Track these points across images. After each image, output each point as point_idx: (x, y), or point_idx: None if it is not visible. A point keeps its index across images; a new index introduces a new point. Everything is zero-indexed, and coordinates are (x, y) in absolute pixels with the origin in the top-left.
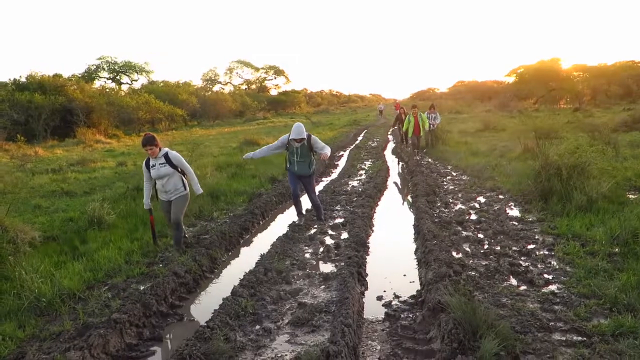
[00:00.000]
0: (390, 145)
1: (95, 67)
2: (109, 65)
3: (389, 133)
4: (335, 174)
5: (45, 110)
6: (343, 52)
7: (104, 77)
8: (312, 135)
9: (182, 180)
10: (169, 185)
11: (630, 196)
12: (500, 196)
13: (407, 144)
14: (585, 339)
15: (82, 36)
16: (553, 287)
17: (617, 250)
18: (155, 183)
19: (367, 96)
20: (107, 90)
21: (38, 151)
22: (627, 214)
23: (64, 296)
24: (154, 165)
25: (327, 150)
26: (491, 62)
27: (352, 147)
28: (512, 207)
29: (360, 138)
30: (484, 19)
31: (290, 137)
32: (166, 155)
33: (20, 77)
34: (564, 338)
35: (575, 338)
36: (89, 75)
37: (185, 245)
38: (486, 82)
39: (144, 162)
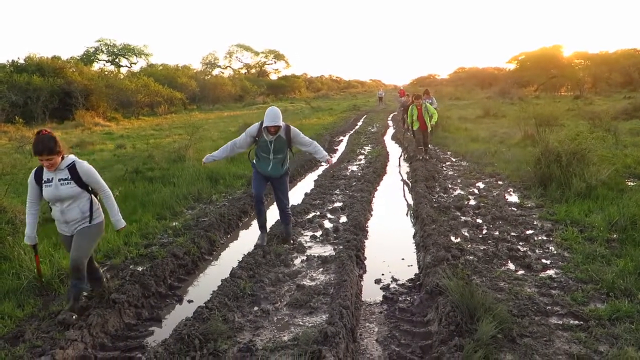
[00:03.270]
0: (390, 131)
1: (94, 49)
2: (107, 48)
3: (389, 119)
4: (334, 159)
5: (44, 93)
6: (344, 37)
7: (103, 60)
8: (292, 127)
9: (92, 205)
10: (72, 213)
11: (630, 183)
12: (500, 182)
13: (407, 131)
14: (582, 323)
15: (81, 18)
16: (551, 272)
17: (615, 236)
18: (50, 208)
19: (367, 82)
20: (106, 72)
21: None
22: (625, 200)
23: (62, 276)
24: (49, 181)
25: (325, 153)
26: (492, 48)
27: (351, 132)
28: (511, 193)
29: (360, 123)
30: (486, 5)
31: (263, 125)
32: (72, 168)
33: (18, 58)
34: (560, 322)
35: (572, 322)
36: (88, 58)
37: (104, 293)
38: (487, 68)
39: (33, 173)
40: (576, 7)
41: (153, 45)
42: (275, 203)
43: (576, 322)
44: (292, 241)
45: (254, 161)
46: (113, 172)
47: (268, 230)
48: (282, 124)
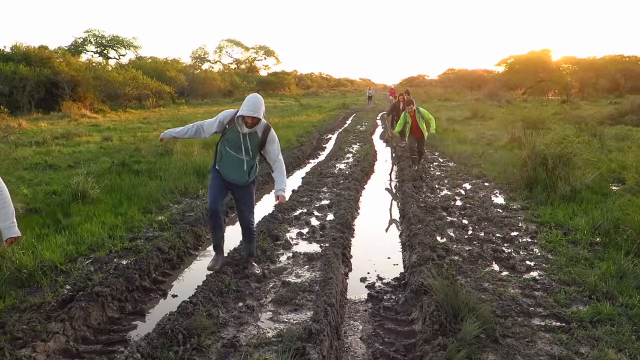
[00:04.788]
0: (379, 130)
1: (82, 40)
2: (96, 39)
3: (378, 118)
4: (322, 157)
5: (30, 82)
6: (335, 35)
7: (91, 51)
8: (273, 130)
9: None
10: None
11: (613, 188)
12: (486, 184)
13: (399, 141)
14: (564, 324)
15: (69, 8)
16: (534, 274)
17: (598, 239)
18: None
19: (357, 80)
20: (94, 64)
21: (22, 123)
22: (609, 204)
23: (45, 268)
24: None
25: (284, 184)
26: (482, 51)
27: (340, 130)
28: (497, 194)
29: (349, 122)
30: (477, 7)
31: (238, 114)
32: None
33: (4, 47)
34: (543, 323)
35: (554, 323)
36: (76, 49)
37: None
38: (476, 70)
39: None
40: (565, 12)
41: (142, 37)
42: (238, 218)
43: (558, 323)
44: (255, 264)
45: (216, 163)
46: (99, 164)
47: (226, 253)
48: (263, 119)
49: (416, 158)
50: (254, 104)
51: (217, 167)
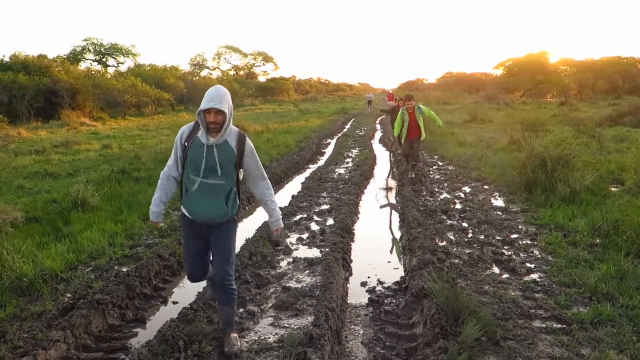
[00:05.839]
0: (378, 135)
1: (80, 48)
2: (95, 47)
3: (377, 122)
4: (322, 161)
5: (29, 91)
6: (333, 40)
7: (90, 59)
8: (248, 139)
9: None
10: None
11: (613, 189)
12: (485, 186)
13: (394, 145)
14: (564, 326)
15: (68, 17)
16: (535, 276)
17: (598, 241)
18: None
19: (355, 85)
20: (93, 72)
21: (21, 132)
22: (609, 206)
23: (46, 277)
24: None
25: (278, 213)
26: (480, 54)
27: (339, 135)
28: (497, 197)
29: (348, 126)
30: (475, 11)
31: (198, 111)
32: None
33: (3, 56)
34: (544, 325)
35: (555, 325)
36: (75, 57)
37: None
38: (474, 74)
39: None
40: (563, 14)
41: (141, 45)
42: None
43: (559, 325)
44: (234, 337)
45: (182, 200)
46: (99, 172)
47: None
48: (228, 110)
49: (412, 165)
50: (214, 93)
51: (183, 210)
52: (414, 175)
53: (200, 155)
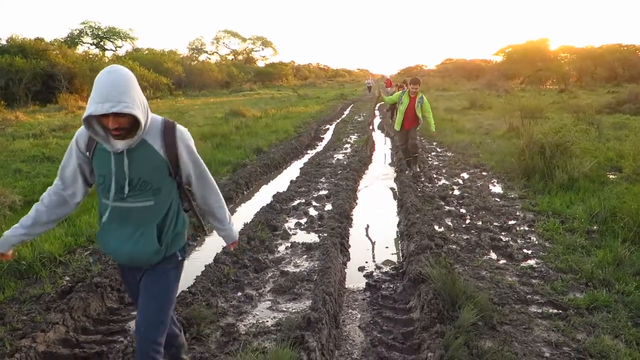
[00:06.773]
0: (377, 120)
1: (78, 32)
2: (92, 31)
3: (376, 108)
4: (320, 147)
5: (27, 75)
6: (332, 26)
7: (87, 43)
8: (181, 128)
9: None
10: None
11: (611, 176)
12: (484, 173)
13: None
14: (560, 311)
15: (65, 0)
16: (532, 262)
17: (595, 227)
18: None
19: (354, 71)
20: (91, 56)
21: (18, 116)
22: (606, 193)
23: (44, 260)
24: None
25: (234, 232)
26: (480, 40)
27: (338, 120)
28: (495, 183)
29: (347, 112)
30: None
31: (84, 116)
32: None
33: (0, 39)
34: (540, 310)
35: (551, 311)
36: (72, 41)
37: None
38: (474, 60)
39: None
40: (563, 1)
41: (139, 29)
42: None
43: (555, 310)
44: None
45: (96, 234)
46: None
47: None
48: (156, 116)
49: (411, 160)
50: (108, 86)
51: (101, 245)
52: (417, 169)
53: (106, 168)
